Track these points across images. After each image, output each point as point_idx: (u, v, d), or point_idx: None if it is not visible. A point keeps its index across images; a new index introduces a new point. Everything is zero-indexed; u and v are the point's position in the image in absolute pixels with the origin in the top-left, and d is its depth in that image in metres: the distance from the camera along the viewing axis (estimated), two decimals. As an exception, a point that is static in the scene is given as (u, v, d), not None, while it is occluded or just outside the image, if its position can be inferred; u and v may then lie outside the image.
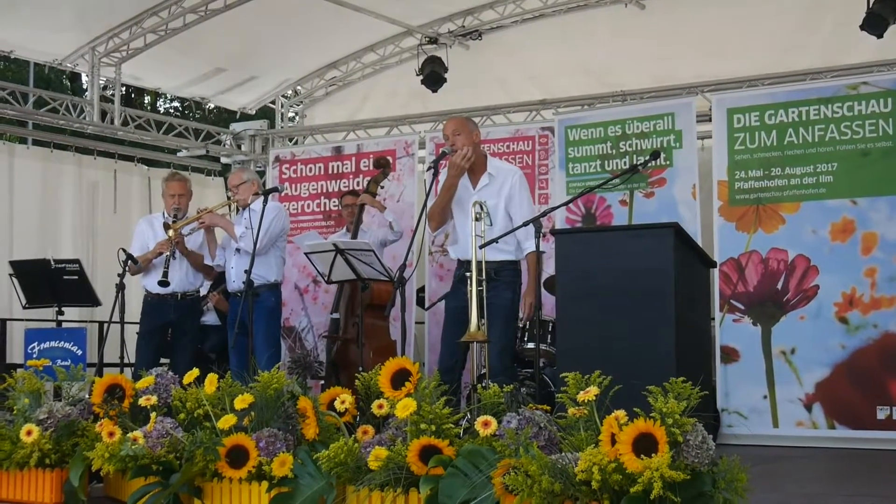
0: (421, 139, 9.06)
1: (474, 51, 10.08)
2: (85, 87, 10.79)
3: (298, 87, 11.09)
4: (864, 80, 7.07)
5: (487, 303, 5.13)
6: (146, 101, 20.33)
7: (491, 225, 5.18)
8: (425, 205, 5.50)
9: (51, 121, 9.40)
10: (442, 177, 5.60)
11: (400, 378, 3.69)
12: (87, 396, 4.39)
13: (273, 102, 11.13)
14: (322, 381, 7.69)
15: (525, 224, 5.12)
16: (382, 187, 7.91)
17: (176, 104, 21.41)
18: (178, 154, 10.46)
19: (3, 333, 8.37)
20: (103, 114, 9.52)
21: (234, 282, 6.84)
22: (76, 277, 7.87)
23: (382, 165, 7.78)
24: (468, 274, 5.11)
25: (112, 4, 8.85)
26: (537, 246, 5.02)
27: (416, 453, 3.36)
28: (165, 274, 6.77)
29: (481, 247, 5.08)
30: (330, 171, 9.26)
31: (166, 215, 7.07)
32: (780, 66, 8.11)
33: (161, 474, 3.81)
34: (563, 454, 3.11)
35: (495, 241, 5.16)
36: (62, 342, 7.63)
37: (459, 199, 5.58)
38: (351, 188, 8.79)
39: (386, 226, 7.59)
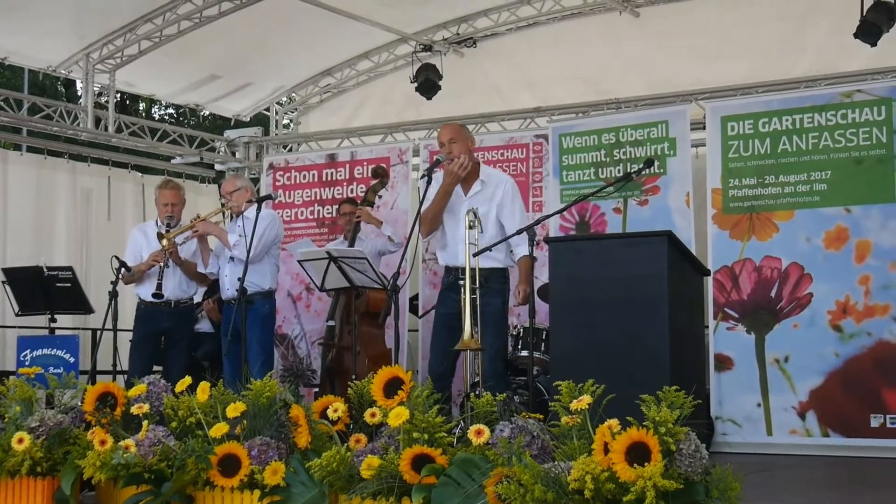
0: (415, 147, 9.06)
1: (469, 58, 10.09)
2: (79, 93, 10.76)
3: (293, 95, 11.10)
4: (858, 87, 7.08)
5: (479, 310, 5.12)
6: (141, 108, 20.32)
7: (482, 232, 5.18)
8: (419, 213, 5.49)
9: (45, 127, 9.38)
10: (435, 185, 5.58)
11: (392, 386, 3.67)
12: (79, 404, 4.38)
13: (267, 109, 11.13)
14: (316, 389, 7.67)
15: (519, 232, 5.13)
16: (380, 197, 7.88)
17: (170, 111, 21.40)
18: (173, 161, 10.45)
19: (-4, 341, 8.36)
20: (97, 120, 9.51)
21: (228, 290, 6.82)
22: (69, 285, 7.86)
23: (380, 175, 7.73)
24: (461, 281, 5.11)
25: (106, 11, 8.85)
26: (531, 252, 5.03)
27: (409, 462, 3.35)
28: (159, 286, 6.76)
29: (475, 254, 5.07)
30: (324, 179, 9.24)
31: (160, 223, 7.06)
32: (774, 74, 8.12)
33: (153, 483, 3.79)
34: (556, 463, 3.10)
35: (489, 248, 5.16)
36: (55, 350, 7.61)
37: (450, 206, 5.58)
38: (345, 196, 8.77)
39: (384, 237, 7.54)
